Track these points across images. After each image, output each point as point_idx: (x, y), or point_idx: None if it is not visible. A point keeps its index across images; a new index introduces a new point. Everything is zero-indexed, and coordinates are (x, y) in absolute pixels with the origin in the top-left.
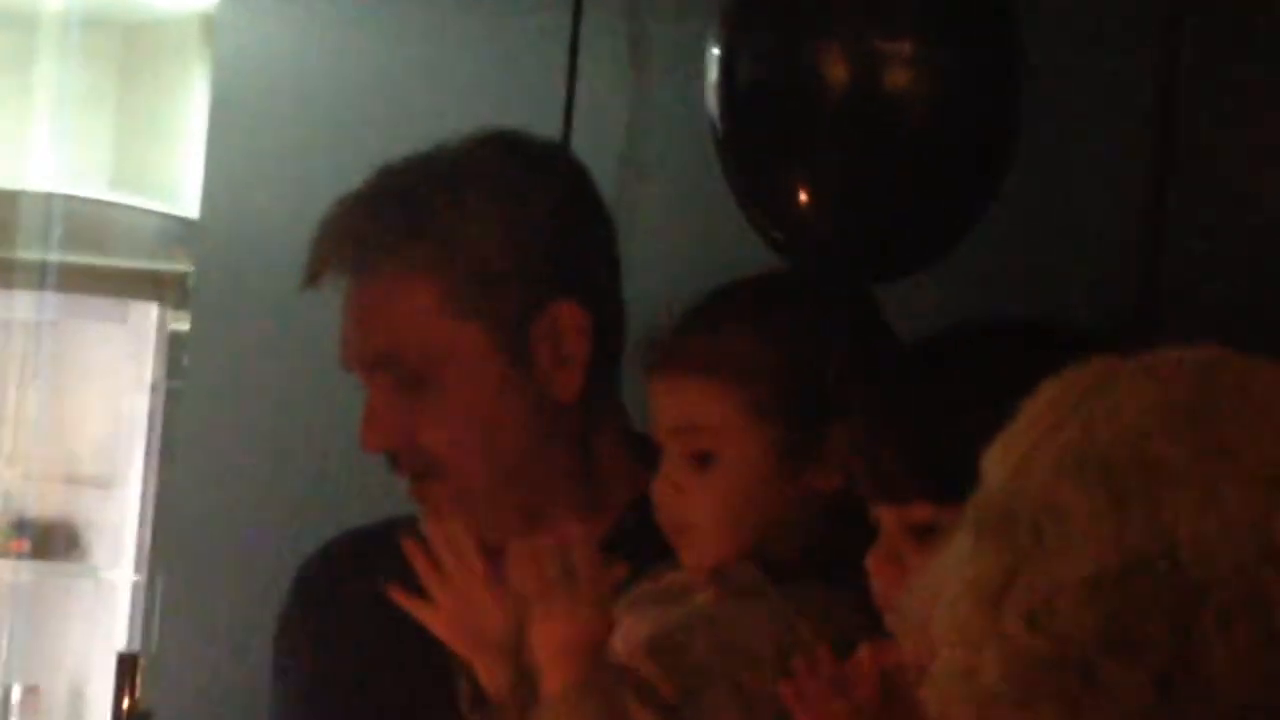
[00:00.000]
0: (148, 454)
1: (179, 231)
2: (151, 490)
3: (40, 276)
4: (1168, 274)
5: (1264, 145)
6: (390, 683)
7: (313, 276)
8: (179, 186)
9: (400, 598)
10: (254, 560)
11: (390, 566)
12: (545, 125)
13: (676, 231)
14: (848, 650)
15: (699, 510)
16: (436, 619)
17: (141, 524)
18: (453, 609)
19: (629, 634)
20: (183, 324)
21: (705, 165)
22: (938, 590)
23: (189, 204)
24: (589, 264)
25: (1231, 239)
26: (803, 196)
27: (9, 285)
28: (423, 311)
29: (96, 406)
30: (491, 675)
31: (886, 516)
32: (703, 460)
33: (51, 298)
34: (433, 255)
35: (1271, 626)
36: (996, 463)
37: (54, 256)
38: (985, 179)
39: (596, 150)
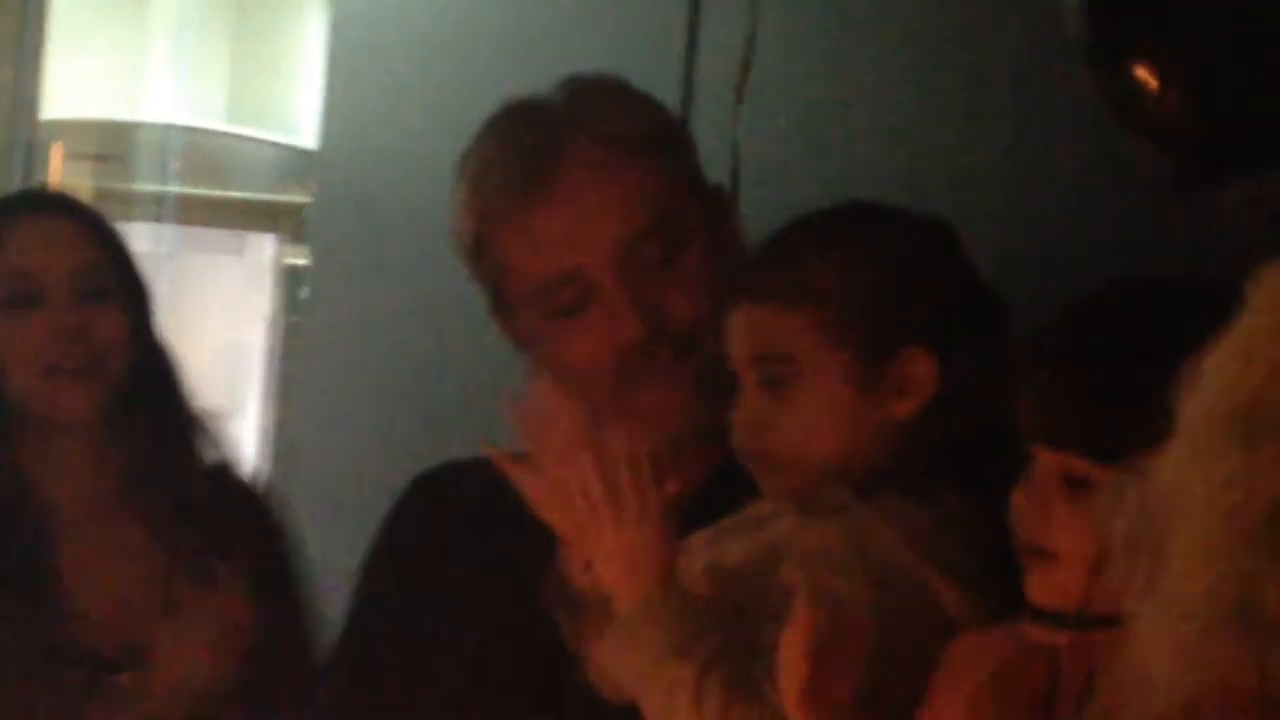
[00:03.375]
0: (266, 388)
1: (297, 163)
2: (271, 424)
3: (158, 209)
4: None
5: None
6: (472, 596)
7: (517, 184)
8: (297, 118)
9: (499, 458)
10: (371, 497)
11: (488, 491)
12: (664, 56)
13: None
14: (944, 565)
15: (779, 436)
16: (532, 483)
17: (260, 458)
18: (549, 473)
19: (714, 567)
20: (299, 258)
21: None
22: (1167, 512)
23: (307, 135)
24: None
25: None
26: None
27: (128, 218)
28: (669, 182)
29: (215, 339)
30: (578, 559)
31: (1045, 458)
32: (780, 384)
33: (169, 230)
34: (661, 130)
35: None
36: (1230, 363)
37: (172, 188)
38: None
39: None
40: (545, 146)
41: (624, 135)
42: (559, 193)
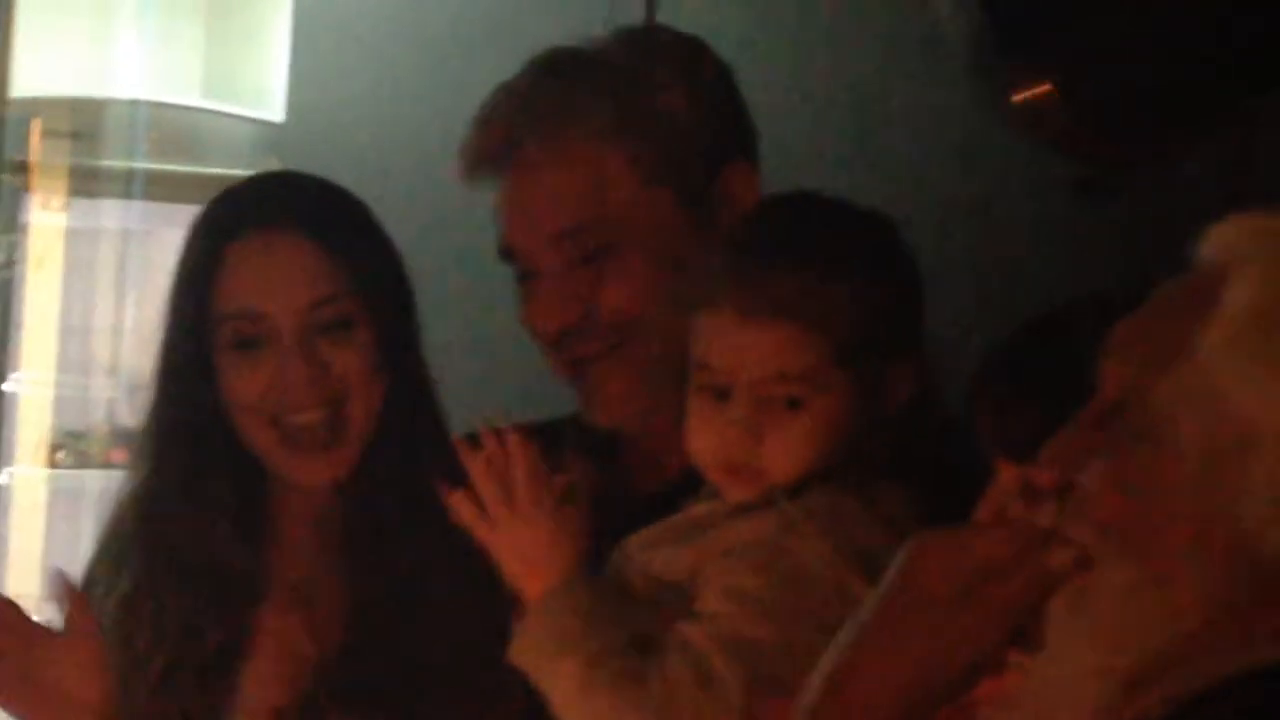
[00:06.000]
0: None
1: (270, 137)
2: None
3: (127, 185)
4: None
5: None
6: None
7: (474, 165)
8: (273, 92)
9: (455, 501)
10: None
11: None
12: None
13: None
14: (855, 554)
15: (775, 453)
16: (489, 532)
17: None
18: (505, 526)
19: (643, 572)
20: None
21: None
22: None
23: (278, 109)
24: (750, 125)
25: None
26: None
27: (95, 194)
28: (613, 177)
29: None
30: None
31: (1006, 473)
32: (792, 404)
33: (140, 206)
34: (622, 119)
35: None
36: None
37: (141, 164)
38: None
39: None
40: (500, 142)
41: (579, 127)
42: (513, 179)
